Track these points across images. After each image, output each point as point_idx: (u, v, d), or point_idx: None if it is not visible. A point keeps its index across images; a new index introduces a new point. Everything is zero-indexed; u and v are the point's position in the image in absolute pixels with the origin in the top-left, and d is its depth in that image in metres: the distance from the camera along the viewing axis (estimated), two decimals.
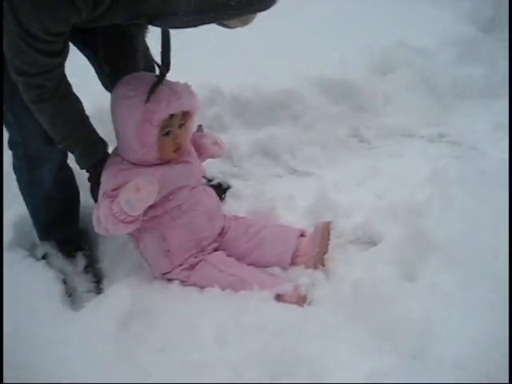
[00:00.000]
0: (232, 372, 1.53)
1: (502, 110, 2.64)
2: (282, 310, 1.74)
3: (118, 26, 1.64)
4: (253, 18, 1.35)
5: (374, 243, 1.98)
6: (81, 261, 2.10)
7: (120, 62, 1.86)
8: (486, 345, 1.37)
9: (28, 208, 2.05)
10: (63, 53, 1.48)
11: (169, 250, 1.90)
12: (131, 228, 1.78)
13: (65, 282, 2.00)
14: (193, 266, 1.92)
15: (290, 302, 1.77)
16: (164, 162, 1.86)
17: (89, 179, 1.92)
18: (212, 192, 2.08)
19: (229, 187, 2.40)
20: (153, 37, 1.80)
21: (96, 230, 1.83)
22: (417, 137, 2.66)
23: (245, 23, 1.35)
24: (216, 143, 2.13)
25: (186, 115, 1.83)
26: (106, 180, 1.82)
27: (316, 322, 1.66)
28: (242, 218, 2.08)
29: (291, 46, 3.00)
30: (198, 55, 2.88)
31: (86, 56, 1.96)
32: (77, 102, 1.71)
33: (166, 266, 1.93)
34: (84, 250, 2.13)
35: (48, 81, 1.51)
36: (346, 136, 2.68)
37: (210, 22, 1.30)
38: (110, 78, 1.91)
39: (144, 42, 1.94)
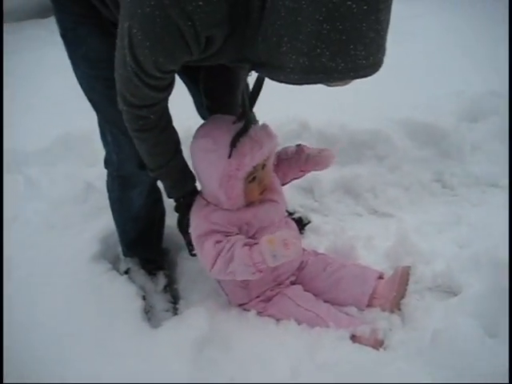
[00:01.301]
0: None
1: None
2: (358, 351, 1.73)
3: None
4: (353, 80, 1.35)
5: (453, 293, 1.95)
6: (161, 280, 2.16)
7: (221, 96, 1.90)
8: None
9: (116, 225, 2.14)
10: (170, 87, 1.54)
11: (247, 283, 1.91)
12: (257, 277, 1.75)
13: (144, 298, 2.07)
14: (269, 299, 1.94)
15: (366, 344, 1.76)
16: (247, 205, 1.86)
17: (176, 210, 1.94)
18: (293, 226, 2.07)
19: (309, 222, 2.42)
20: None
21: (210, 272, 1.79)
22: (502, 187, 2.59)
23: (345, 83, 1.34)
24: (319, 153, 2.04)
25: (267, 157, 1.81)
26: (197, 223, 1.83)
27: (391, 368, 1.64)
28: (322, 254, 2.09)
29: (379, 86, 2.99)
30: (286, 89, 2.92)
31: (188, 87, 2.03)
32: (174, 133, 1.74)
33: (244, 298, 1.96)
34: (165, 270, 2.20)
35: (152, 113, 1.56)
36: (429, 181, 2.64)
37: (314, 83, 1.29)
38: (209, 111, 1.95)
39: (245, 80, 1.96)
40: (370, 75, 1.27)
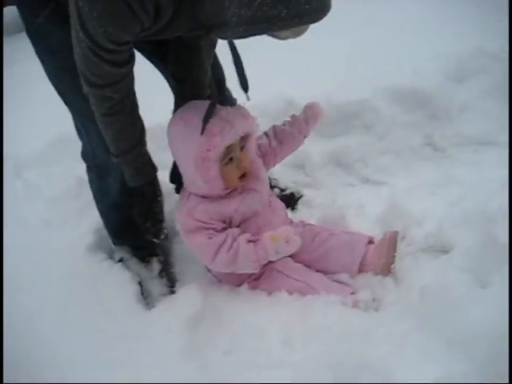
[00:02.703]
0: (297, 374, 1.54)
1: None
2: (349, 314, 1.73)
3: (185, 41, 1.71)
4: (305, 30, 1.36)
5: (446, 252, 1.94)
6: (155, 265, 2.17)
7: (186, 77, 1.88)
8: None
9: (100, 214, 2.15)
10: (129, 63, 1.54)
11: None
12: (256, 271, 1.85)
13: (141, 284, 2.09)
14: (260, 276, 1.95)
15: (357, 308, 1.76)
16: (232, 190, 1.87)
17: (133, 198, 1.90)
18: (279, 208, 2.06)
19: (301, 196, 2.42)
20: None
21: (207, 265, 1.88)
22: (494, 144, 2.57)
23: (296, 34, 1.36)
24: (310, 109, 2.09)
25: (245, 137, 1.82)
26: (183, 220, 1.87)
27: (383, 328, 1.64)
28: (309, 224, 2.08)
29: (362, 55, 2.99)
30: (270, 68, 2.93)
31: (162, 74, 2.03)
32: (140, 120, 1.75)
33: (234, 282, 1.98)
34: (158, 256, 2.20)
35: (115, 92, 1.57)
36: (419, 145, 2.62)
37: (261, 33, 1.31)
38: (178, 95, 1.95)
39: (209, 60, 1.93)
40: (316, 21, 1.27)
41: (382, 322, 1.67)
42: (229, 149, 1.75)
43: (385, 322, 1.67)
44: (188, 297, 1.85)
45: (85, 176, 2.12)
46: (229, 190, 1.86)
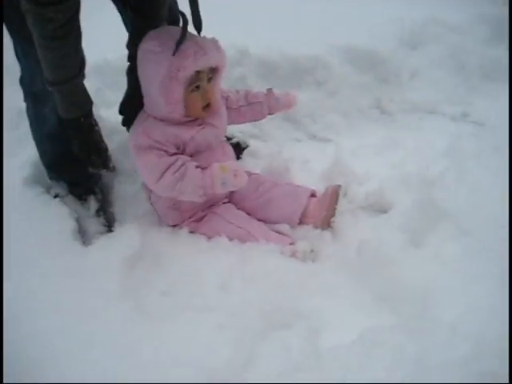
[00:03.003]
0: (231, 318, 1.57)
1: None
2: (287, 263, 1.77)
3: None
4: None
5: (384, 211, 1.99)
6: (92, 204, 2.12)
7: (145, 10, 1.83)
8: (483, 313, 1.38)
9: (36, 145, 2.07)
10: None
11: (179, 205, 1.93)
12: (200, 200, 1.83)
13: (77, 221, 2.04)
14: (201, 218, 1.96)
15: (295, 257, 1.80)
16: (191, 119, 1.86)
17: (71, 132, 1.82)
18: (230, 151, 2.08)
19: (247, 146, 2.41)
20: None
21: (156, 184, 1.82)
22: (439, 114, 2.64)
23: None
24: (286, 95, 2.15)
25: (213, 71, 1.82)
26: (137, 136, 1.85)
27: (318, 279, 1.70)
28: (255, 174, 2.09)
29: (320, 12, 2.97)
30: (226, 16, 2.87)
31: (119, 11, 1.97)
32: (82, 51, 1.68)
33: (175, 219, 1.97)
34: (96, 194, 2.16)
35: (59, 13, 1.49)
36: (368, 106, 2.66)
37: None
38: (133, 24, 1.89)
39: None
40: None
41: (318, 273, 1.72)
42: (197, 76, 1.76)
43: (320, 273, 1.72)
44: (126, 236, 1.83)
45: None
46: (189, 119, 1.86)
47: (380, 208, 2.03)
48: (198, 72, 1.75)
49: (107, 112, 2.22)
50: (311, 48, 2.71)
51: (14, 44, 1.81)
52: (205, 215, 1.95)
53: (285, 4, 3.06)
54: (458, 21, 2.95)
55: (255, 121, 2.22)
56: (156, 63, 1.73)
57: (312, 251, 1.83)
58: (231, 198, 2.03)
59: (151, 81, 1.77)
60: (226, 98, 2.07)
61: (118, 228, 2.01)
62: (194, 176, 1.77)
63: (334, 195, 1.95)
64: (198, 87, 1.79)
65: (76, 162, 1.97)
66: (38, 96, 1.90)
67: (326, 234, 1.90)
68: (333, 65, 2.66)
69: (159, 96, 1.76)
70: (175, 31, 1.73)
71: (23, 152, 2.23)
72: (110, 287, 1.66)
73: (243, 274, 1.71)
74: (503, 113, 2.56)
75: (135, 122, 1.90)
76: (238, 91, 2.13)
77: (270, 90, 2.13)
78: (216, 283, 1.69)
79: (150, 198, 2.01)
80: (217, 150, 1.97)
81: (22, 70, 1.88)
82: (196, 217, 1.96)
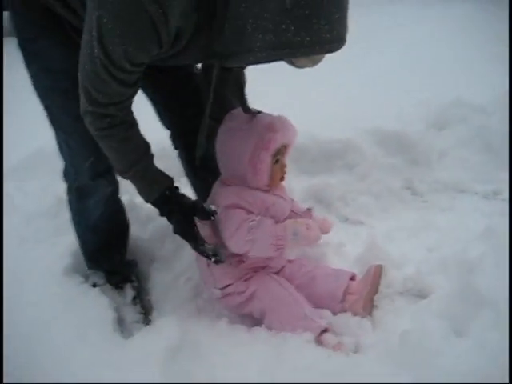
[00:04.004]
0: None
1: None
2: (326, 355, 1.74)
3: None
4: (321, 59, 1.41)
5: (423, 296, 1.97)
6: (129, 292, 2.15)
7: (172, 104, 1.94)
8: None
9: (77, 236, 2.12)
10: (137, 84, 1.52)
11: (240, 258, 1.94)
12: (272, 254, 1.87)
13: (116, 311, 2.05)
14: (252, 276, 1.97)
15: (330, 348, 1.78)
16: (268, 189, 1.93)
17: (161, 214, 1.82)
18: None
19: None
20: None
21: (228, 237, 1.84)
22: (471, 193, 2.65)
23: (314, 63, 1.40)
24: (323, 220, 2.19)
25: (285, 146, 1.90)
26: (227, 196, 1.89)
27: (360, 370, 1.66)
28: (297, 259, 2.12)
29: (349, 97, 3.06)
30: (258, 102, 2.96)
31: (146, 94, 2.00)
32: (142, 135, 1.70)
33: (230, 278, 1.96)
34: (132, 282, 2.19)
35: (119, 111, 1.54)
36: (399, 188, 2.69)
37: (281, 59, 1.35)
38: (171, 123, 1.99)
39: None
40: (335, 50, 1.32)
41: (360, 365, 1.68)
42: (280, 149, 1.85)
43: (363, 364, 1.68)
44: (167, 328, 1.82)
45: (64, 195, 2.10)
46: (268, 188, 1.93)
47: (418, 293, 2.02)
48: (282, 146, 1.85)
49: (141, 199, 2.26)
50: (341, 132, 2.77)
51: (59, 140, 1.88)
52: (256, 273, 1.97)
53: (312, 89, 3.15)
54: (480, 101, 3.00)
55: None
56: (245, 138, 1.81)
57: (339, 343, 1.80)
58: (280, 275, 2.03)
59: (239, 154, 1.84)
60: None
61: (156, 317, 2.01)
62: (268, 225, 1.84)
63: (376, 273, 1.97)
64: (277, 161, 1.87)
65: (114, 253, 2.01)
66: (82, 190, 1.95)
67: (366, 322, 1.88)
68: (363, 148, 2.71)
69: (248, 168, 1.83)
70: (241, 113, 1.86)
71: (62, 241, 2.28)
72: (150, 380, 1.65)
73: (283, 366, 1.68)
74: None
75: (218, 189, 1.95)
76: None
77: (309, 210, 2.20)
78: (256, 376, 1.67)
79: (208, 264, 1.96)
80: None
81: (66, 165, 1.94)
82: (247, 276, 1.97)
